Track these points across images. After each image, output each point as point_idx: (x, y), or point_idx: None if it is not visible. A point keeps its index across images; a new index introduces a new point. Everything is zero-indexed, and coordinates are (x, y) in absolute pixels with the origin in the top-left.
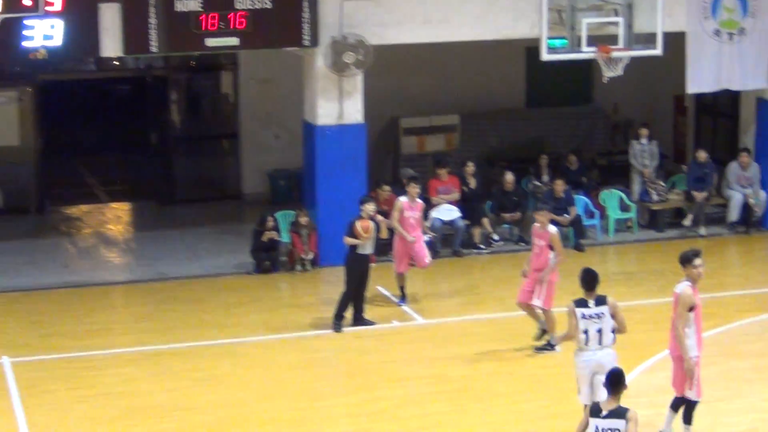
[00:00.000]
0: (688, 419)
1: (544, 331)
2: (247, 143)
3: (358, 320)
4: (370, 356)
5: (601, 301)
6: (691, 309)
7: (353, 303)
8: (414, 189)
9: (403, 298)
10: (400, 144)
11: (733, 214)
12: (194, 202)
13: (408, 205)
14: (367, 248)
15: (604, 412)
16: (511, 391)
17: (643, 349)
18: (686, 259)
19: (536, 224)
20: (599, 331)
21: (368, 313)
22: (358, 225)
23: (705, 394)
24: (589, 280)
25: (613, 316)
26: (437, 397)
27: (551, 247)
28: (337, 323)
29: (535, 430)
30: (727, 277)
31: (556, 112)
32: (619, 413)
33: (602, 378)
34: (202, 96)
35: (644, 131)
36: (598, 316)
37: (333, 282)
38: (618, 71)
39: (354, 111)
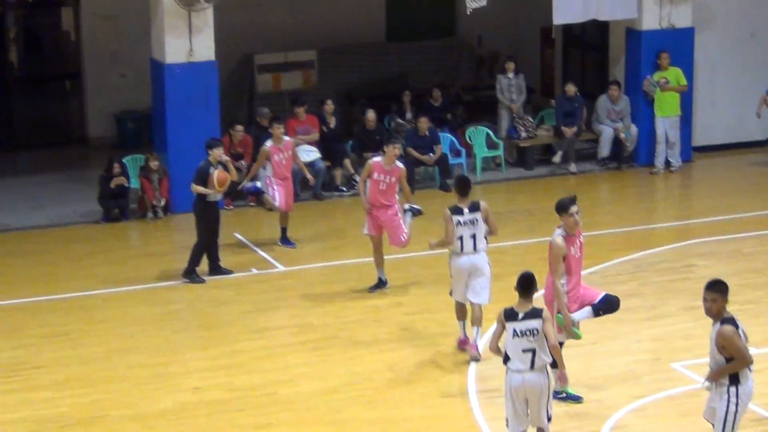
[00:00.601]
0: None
1: (381, 281)
2: (91, 84)
3: (214, 269)
4: (228, 307)
5: (474, 207)
6: (564, 259)
7: (207, 252)
8: (278, 130)
9: (287, 239)
10: (254, 82)
11: (604, 149)
12: (36, 147)
13: (275, 148)
14: (216, 195)
15: (521, 315)
16: (377, 339)
17: (511, 292)
18: (561, 207)
19: (377, 159)
20: (473, 236)
21: (225, 261)
22: (216, 176)
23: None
24: (463, 186)
25: (486, 220)
26: (300, 347)
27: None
28: (192, 275)
29: (402, 379)
30: (598, 215)
31: (418, 46)
32: (535, 314)
33: (477, 279)
34: (42, 34)
35: (510, 65)
36: (472, 222)
37: (186, 229)
38: (482, 2)
39: (204, 48)
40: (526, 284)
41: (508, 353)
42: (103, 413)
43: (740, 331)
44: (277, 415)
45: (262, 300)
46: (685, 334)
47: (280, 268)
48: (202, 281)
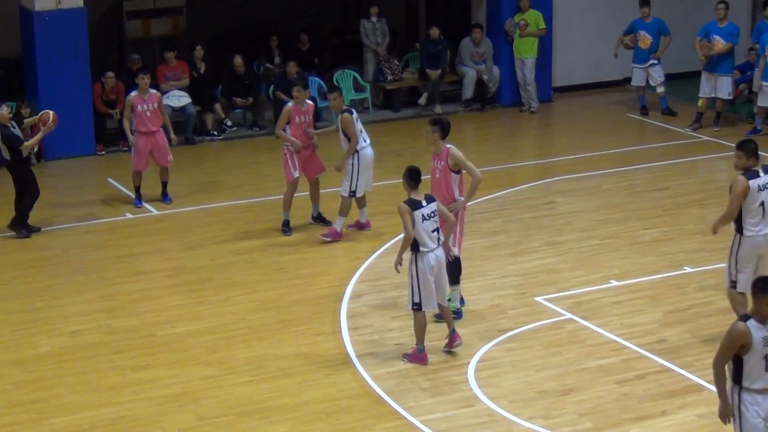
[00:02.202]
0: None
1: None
2: None
3: (24, 225)
4: (103, 251)
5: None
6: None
7: (24, 207)
8: (142, 80)
9: (139, 198)
10: (124, 29)
11: (467, 90)
12: None
13: (139, 98)
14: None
15: (423, 202)
16: (251, 280)
17: (379, 233)
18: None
19: (291, 104)
20: (361, 130)
21: (98, 207)
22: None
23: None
24: (333, 87)
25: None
26: (176, 289)
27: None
28: (21, 228)
29: (276, 318)
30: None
31: None
32: (431, 198)
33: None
34: None
35: (374, 9)
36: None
37: (59, 175)
38: None
39: None
40: (418, 176)
41: (419, 238)
42: None
43: None
44: (155, 356)
45: (136, 244)
46: (548, 269)
47: (154, 212)
48: (36, 230)
